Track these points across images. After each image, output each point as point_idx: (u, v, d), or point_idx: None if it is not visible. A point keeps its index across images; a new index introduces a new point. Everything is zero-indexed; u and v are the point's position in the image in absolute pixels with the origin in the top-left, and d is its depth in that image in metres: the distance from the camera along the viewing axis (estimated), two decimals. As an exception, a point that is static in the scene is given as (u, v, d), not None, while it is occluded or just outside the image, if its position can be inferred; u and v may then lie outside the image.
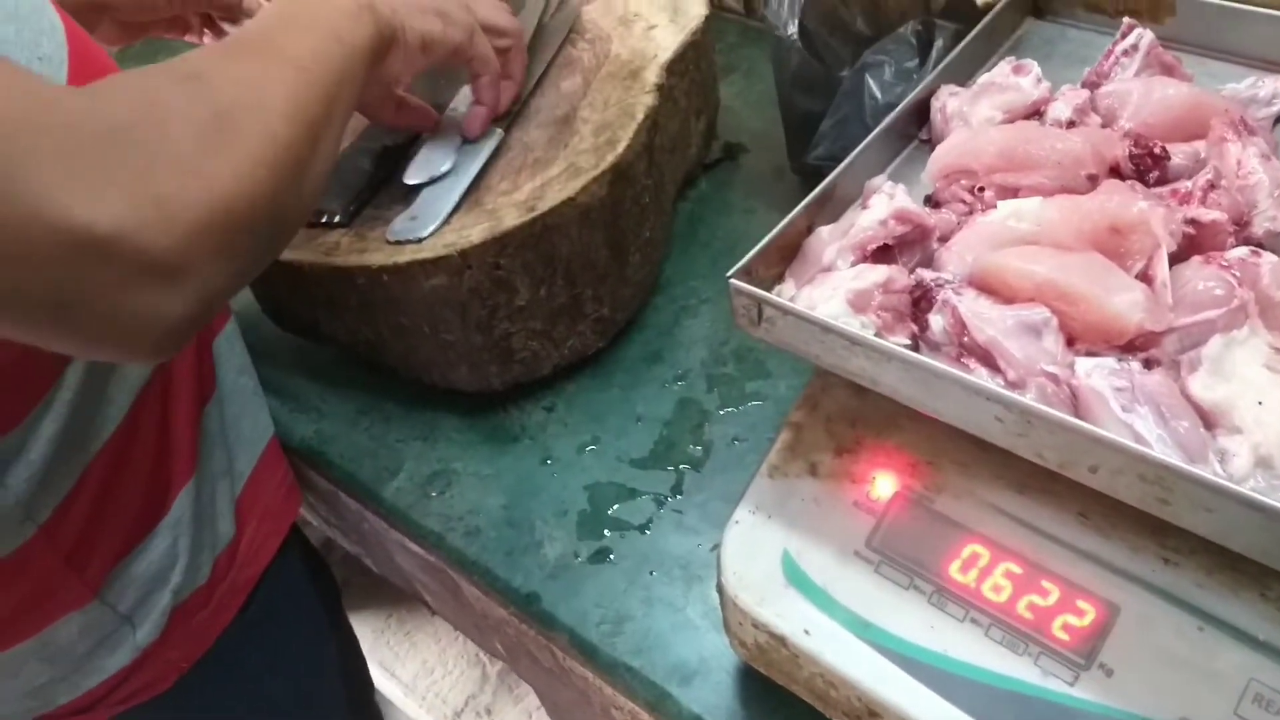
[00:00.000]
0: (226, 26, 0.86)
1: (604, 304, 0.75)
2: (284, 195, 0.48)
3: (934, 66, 0.65)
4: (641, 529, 0.66)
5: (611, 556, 0.65)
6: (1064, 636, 0.45)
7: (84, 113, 0.41)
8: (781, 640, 0.50)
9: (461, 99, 0.78)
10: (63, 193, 0.39)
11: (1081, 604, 0.45)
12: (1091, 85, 0.59)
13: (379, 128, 0.81)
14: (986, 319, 0.46)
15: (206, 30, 0.86)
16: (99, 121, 0.41)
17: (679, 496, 0.67)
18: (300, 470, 0.79)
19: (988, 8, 0.70)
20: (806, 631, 0.49)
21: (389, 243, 0.70)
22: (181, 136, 0.43)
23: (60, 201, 0.38)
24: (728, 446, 0.69)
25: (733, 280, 0.50)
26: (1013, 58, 0.61)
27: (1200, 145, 0.53)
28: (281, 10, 0.55)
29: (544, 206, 0.68)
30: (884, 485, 0.51)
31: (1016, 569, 0.47)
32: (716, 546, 0.54)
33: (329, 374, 0.80)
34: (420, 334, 0.71)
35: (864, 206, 0.54)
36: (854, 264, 0.51)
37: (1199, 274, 0.46)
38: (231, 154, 0.45)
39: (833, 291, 0.49)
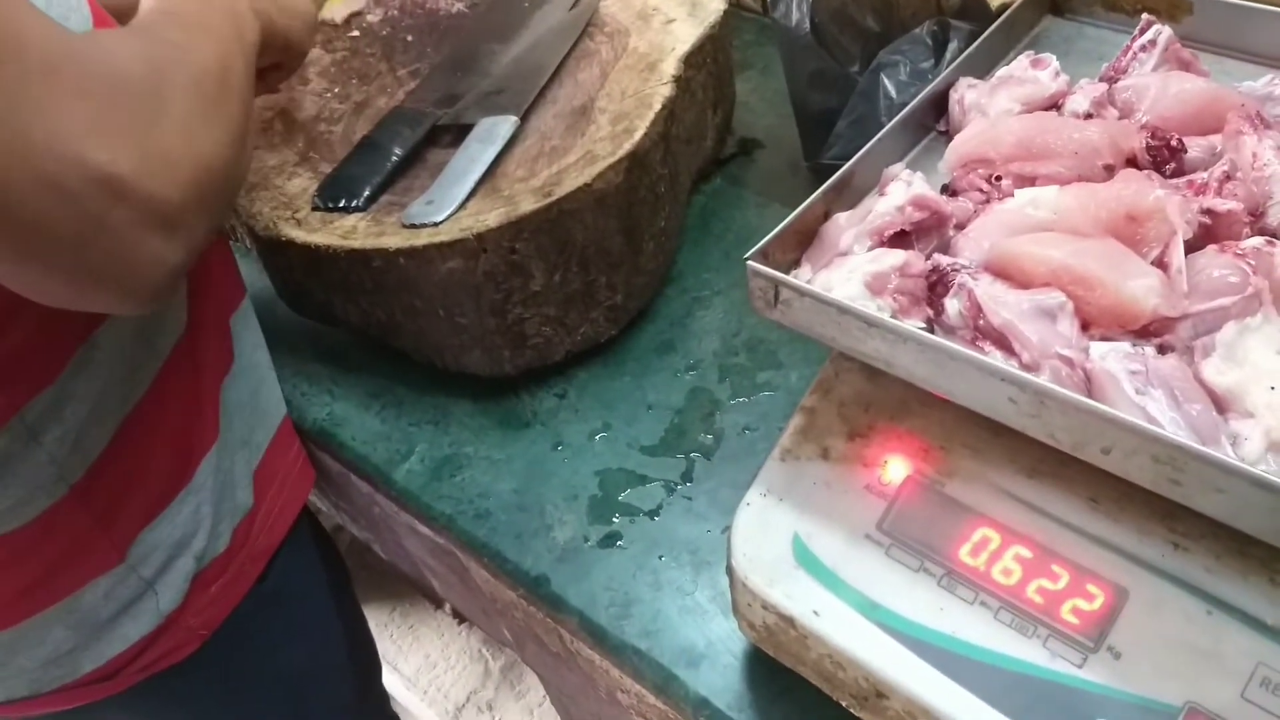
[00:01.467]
0: None
1: (617, 291, 0.75)
2: (238, 162, 0.52)
3: (950, 64, 0.65)
4: (651, 515, 0.66)
5: (621, 541, 0.65)
6: (1073, 620, 0.45)
7: (99, 63, 0.43)
8: (790, 621, 0.50)
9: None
10: (85, 133, 0.41)
11: (1091, 588, 0.45)
12: (1109, 80, 0.60)
13: (395, 117, 0.82)
14: (1002, 302, 0.46)
15: None
16: (113, 74, 0.44)
17: (689, 484, 0.67)
18: (312, 454, 0.79)
19: (1004, 8, 0.71)
20: (816, 613, 0.49)
21: (405, 227, 0.70)
22: (176, 100, 0.47)
23: (83, 140, 0.41)
24: (738, 435, 0.70)
25: (750, 262, 0.50)
26: (1031, 52, 0.61)
27: (1216, 139, 0.54)
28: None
29: (560, 192, 0.69)
30: (895, 469, 0.51)
31: (1027, 553, 0.47)
32: (727, 529, 0.54)
33: (341, 358, 0.81)
34: (434, 317, 0.72)
35: (881, 193, 0.54)
36: (871, 249, 0.52)
37: (1214, 262, 0.47)
38: (210, 125, 0.49)
39: (849, 274, 0.49)
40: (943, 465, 0.51)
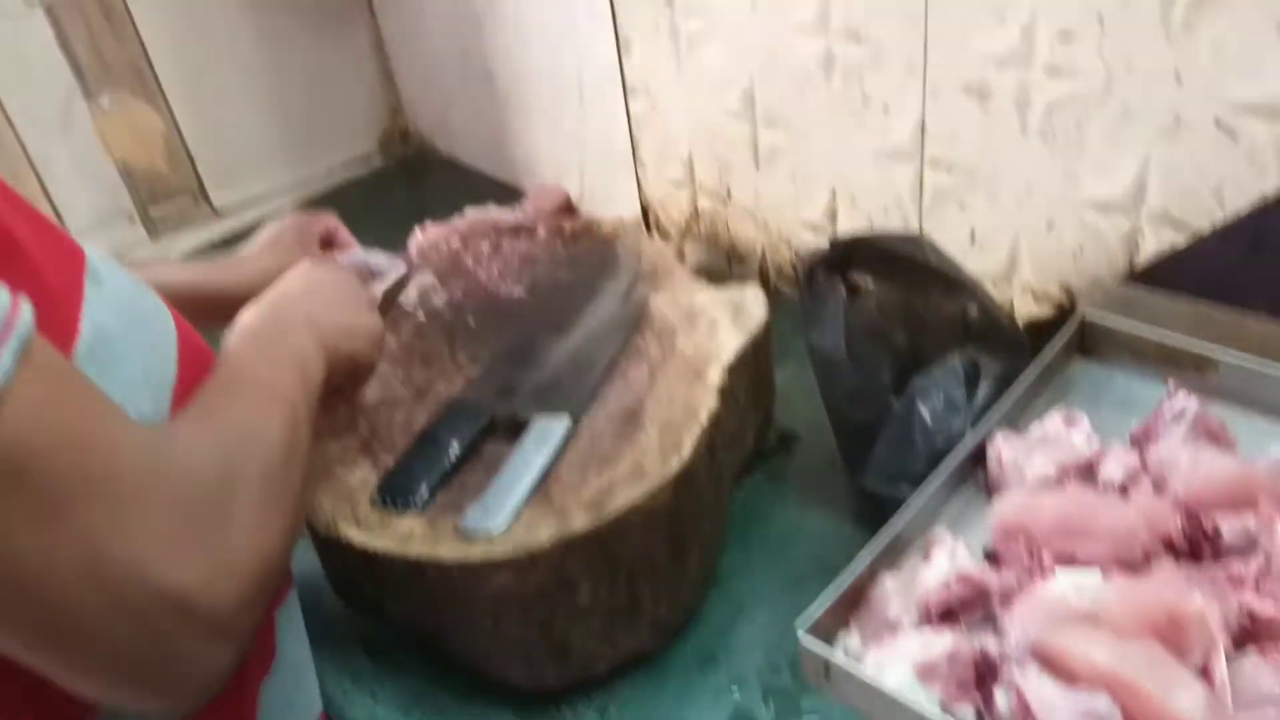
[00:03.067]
0: None
1: (661, 603, 0.76)
2: (294, 542, 0.54)
3: (982, 405, 0.69)
4: None
5: None
6: None
7: (179, 476, 0.45)
8: None
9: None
10: (161, 554, 0.43)
11: None
12: (1139, 442, 0.63)
13: (455, 410, 0.86)
14: (1050, 705, 0.47)
15: None
16: (190, 487, 0.46)
17: (733, 819, 0.66)
18: (348, 753, 0.79)
19: (1038, 327, 0.75)
20: None
21: (459, 534, 0.73)
22: (247, 502, 0.49)
23: (159, 563, 0.43)
24: (783, 769, 0.69)
25: (802, 635, 0.52)
26: (1063, 407, 0.65)
27: (1251, 520, 0.56)
28: (273, 351, 0.62)
29: (610, 509, 0.71)
30: None
31: None
32: None
33: (387, 653, 0.81)
34: (482, 628, 0.73)
35: (926, 558, 0.57)
36: (919, 621, 0.53)
37: (1259, 670, 0.48)
38: (275, 514, 0.51)
39: (900, 658, 0.51)
40: None
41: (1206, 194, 0.77)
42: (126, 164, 1.45)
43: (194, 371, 0.61)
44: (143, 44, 1.39)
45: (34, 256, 0.51)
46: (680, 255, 1.06)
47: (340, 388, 0.76)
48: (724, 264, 1.19)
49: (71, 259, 0.54)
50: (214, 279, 0.86)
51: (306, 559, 0.82)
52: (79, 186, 1.39)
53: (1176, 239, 0.80)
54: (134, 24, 1.37)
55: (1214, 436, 0.62)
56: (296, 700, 0.73)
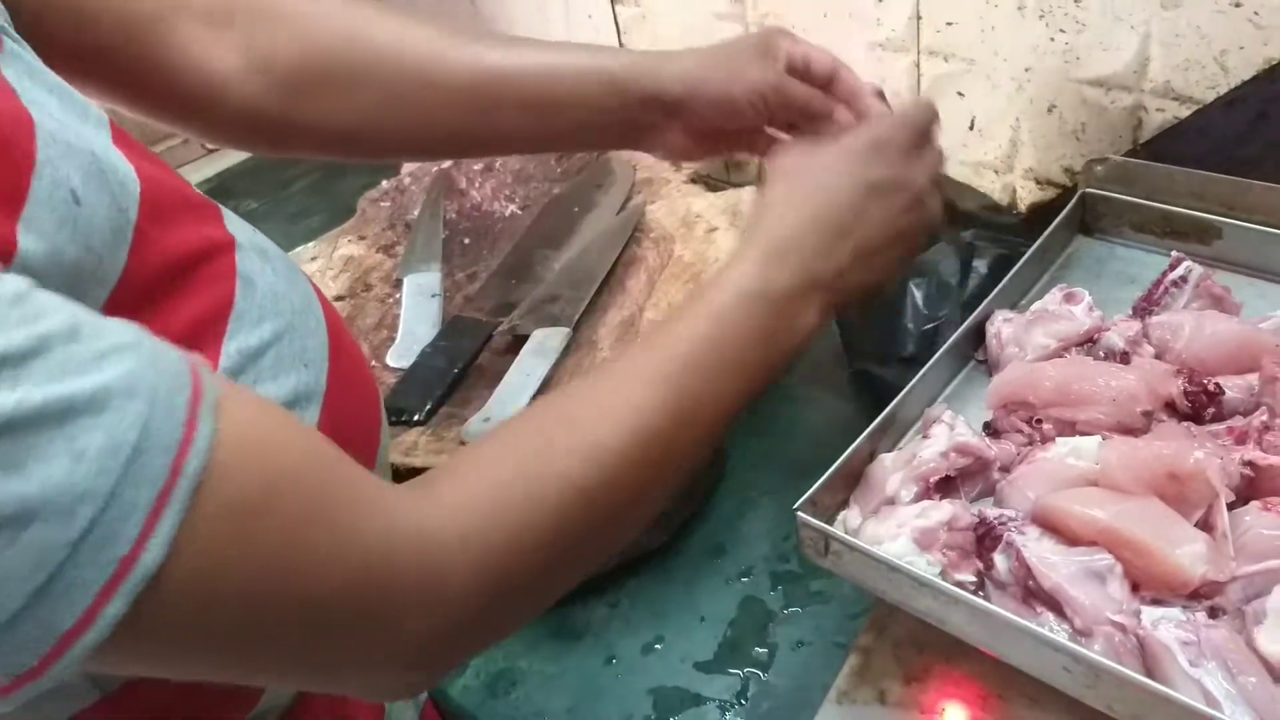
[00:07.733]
0: None
1: (668, 500, 0.77)
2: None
3: (979, 286, 0.68)
4: (706, 738, 0.66)
5: (676, 767, 0.65)
6: None
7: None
8: None
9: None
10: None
11: None
12: (1141, 312, 0.62)
13: (455, 326, 0.86)
14: (1051, 565, 0.47)
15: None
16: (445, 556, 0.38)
17: (744, 703, 0.67)
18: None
19: (1042, 212, 0.73)
20: None
21: (463, 444, 0.73)
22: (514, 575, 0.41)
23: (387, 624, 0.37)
24: (793, 650, 0.70)
25: (800, 514, 0.52)
26: (1064, 285, 0.63)
27: (1254, 379, 0.55)
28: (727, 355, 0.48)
29: (612, 411, 0.71)
30: (954, 717, 0.52)
31: (1091, 816, 0.47)
32: (785, 771, 0.54)
33: (400, 561, 0.82)
34: (491, 531, 0.74)
35: (925, 435, 0.56)
36: (917, 495, 0.53)
37: (1260, 521, 0.47)
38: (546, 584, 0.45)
39: (898, 528, 0.50)
40: (1001, 714, 0.51)
41: (1210, 64, 0.75)
42: (115, 110, 1.43)
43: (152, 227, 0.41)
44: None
45: None
46: (675, 164, 1.04)
47: None
48: (722, 171, 1.17)
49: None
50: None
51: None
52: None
53: (1181, 112, 0.78)
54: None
55: (1218, 301, 0.61)
56: None
